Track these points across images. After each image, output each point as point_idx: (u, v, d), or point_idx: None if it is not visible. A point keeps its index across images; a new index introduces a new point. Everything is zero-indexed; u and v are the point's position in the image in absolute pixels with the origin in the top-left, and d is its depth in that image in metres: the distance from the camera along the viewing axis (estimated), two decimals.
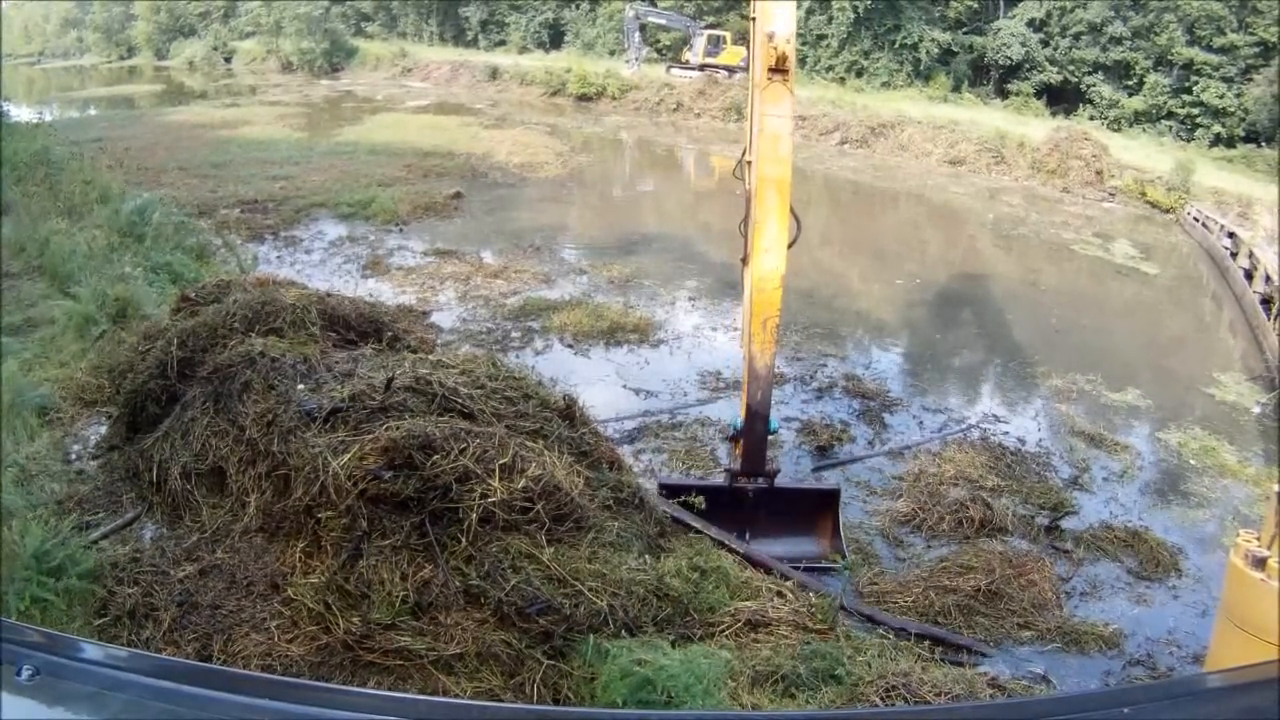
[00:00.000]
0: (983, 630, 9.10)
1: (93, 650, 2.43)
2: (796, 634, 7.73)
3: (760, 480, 10.74)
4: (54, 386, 11.75)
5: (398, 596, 6.77)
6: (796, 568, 9.68)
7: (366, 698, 2.73)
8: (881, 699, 6.80)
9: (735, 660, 6.95)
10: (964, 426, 13.99)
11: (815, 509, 11.02)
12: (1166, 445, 13.91)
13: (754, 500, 10.64)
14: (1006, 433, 13.86)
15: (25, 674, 1.85)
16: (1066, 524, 11.29)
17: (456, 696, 6.47)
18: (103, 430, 10.85)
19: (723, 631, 7.51)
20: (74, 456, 10.50)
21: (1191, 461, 13.37)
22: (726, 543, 9.62)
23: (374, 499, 7.13)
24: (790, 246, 9.97)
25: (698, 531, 9.59)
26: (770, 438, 10.90)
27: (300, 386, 8.57)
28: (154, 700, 1.91)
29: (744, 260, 10.83)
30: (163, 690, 1.94)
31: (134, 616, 7.29)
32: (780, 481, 10.95)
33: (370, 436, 7.33)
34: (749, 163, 10.58)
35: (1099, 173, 34.44)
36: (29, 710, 1.86)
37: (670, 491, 10.45)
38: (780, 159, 9.91)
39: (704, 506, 10.00)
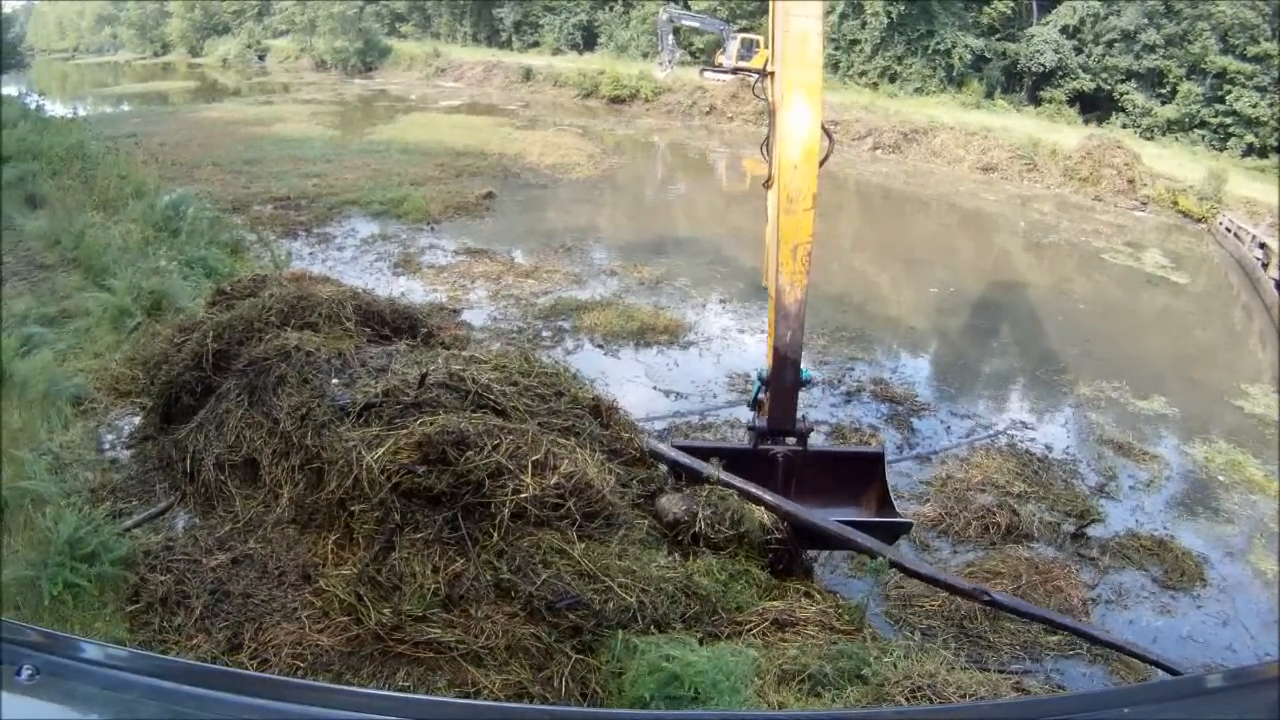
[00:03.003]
0: (1009, 636, 9.11)
1: (93, 650, 2.42)
2: (823, 634, 7.73)
3: (790, 441, 9.86)
4: (88, 377, 11.86)
5: (429, 589, 6.83)
6: (852, 524, 8.99)
7: (366, 698, 2.74)
8: (907, 699, 6.81)
9: (762, 658, 6.98)
10: (992, 432, 13.96)
11: (857, 476, 10.21)
12: (1193, 457, 13.86)
13: (784, 466, 9.74)
14: (1034, 439, 13.85)
15: (25, 674, 1.87)
16: (1093, 532, 11.27)
17: (485, 689, 6.55)
18: (136, 420, 10.93)
19: (750, 630, 7.51)
20: (107, 446, 10.59)
21: (1220, 477, 13.32)
22: (764, 499, 8.78)
23: (407, 493, 7.19)
24: (821, 165, 9.20)
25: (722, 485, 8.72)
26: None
27: (335, 381, 8.64)
28: (154, 700, 1.93)
29: (767, 184, 10.02)
30: (163, 690, 1.96)
31: (166, 604, 7.35)
32: (816, 444, 10.24)
33: (404, 431, 7.39)
34: (770, 73, 9.89)
35: (1131, 181, 34.31)
36: (29, 710, 1.87)
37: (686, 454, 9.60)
38: (809, 62, 9.10)
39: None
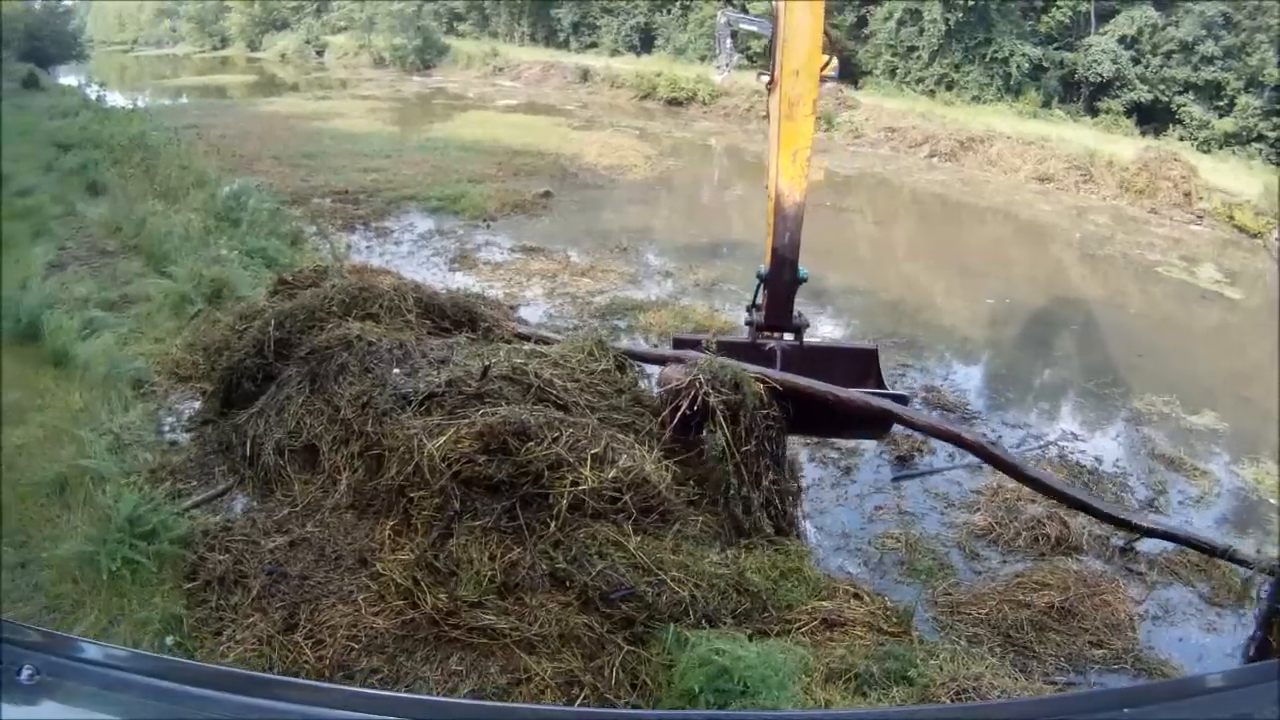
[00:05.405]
0: (1054, 647, 9.10)
1: (93, 650, 2.46)
2: (871, 635, 7.78)
3: (786, 336, 10.41)
4: (149, 361, 12.16)
5: (485, 576, 6.97)
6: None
7: (367, 698, 2.77)
8: (952, 701, 6.87)
9: (810, 656, 7.05)
10: (1042, 443, 13.88)
11: (852, 371, 10.55)
12: (1243, 477, 13.72)
13: (781, 359, 10.20)
14: (1084, 451, 13.76)
15: (25, 674, 1.88)
16: (1141, 546, 11.20)
17: (537, 676, 6.66)
18: (196, 405, 11.20)
19: (799, 629, 7.57)
20: (167, 428, 10.88)
21: (1270, 499, 13.17)
22: (763, 371, 9.08)
23: (467, 481, 7.34)
24: (823, 72, 9.64)
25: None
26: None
27: (396, 371, 8.80)
28: (154, 700, 1.94)
29: (769, 86, 10.25)
30: (163, 690, 1.97)
31: (224, 583, 7.58)
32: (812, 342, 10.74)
33: (466, 421, 7.54)
34: None
35: (1187, 194, 33.79)
36: (29, 711, 1.89)
37: (683, 346, 10.25)
38: None
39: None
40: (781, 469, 9.23)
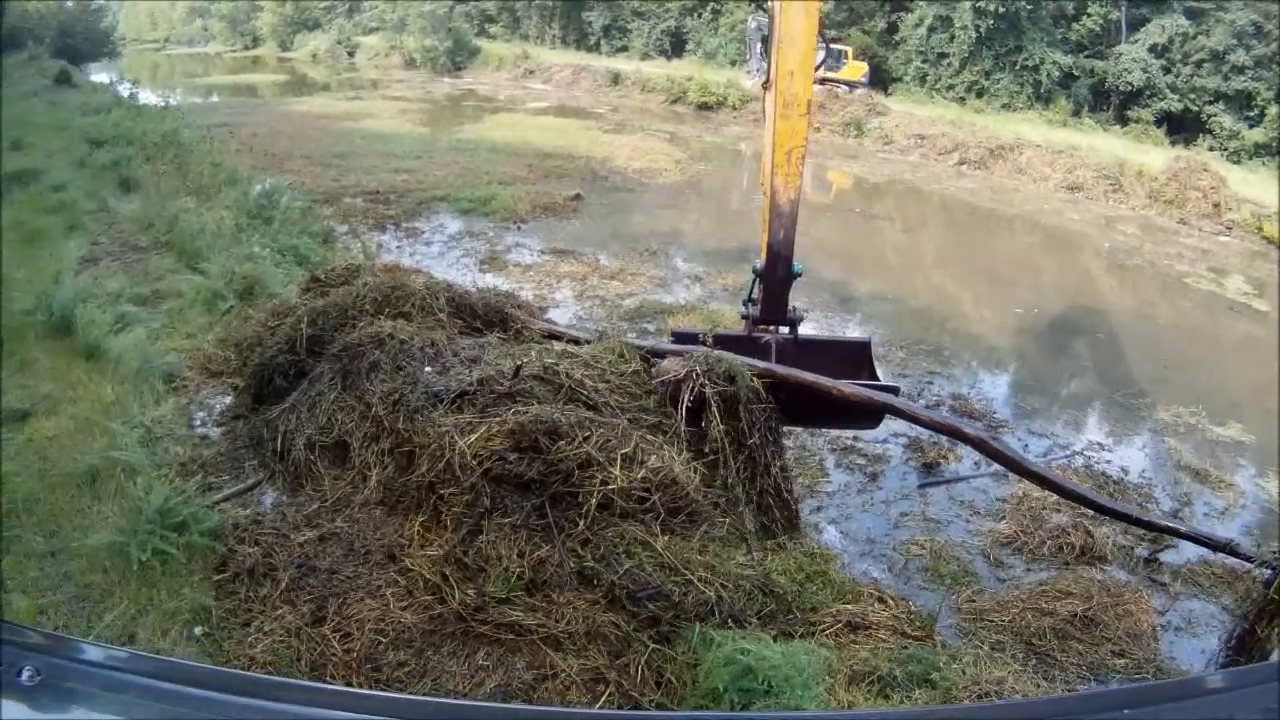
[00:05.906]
0: (1076, 655, 9.09)
1: (93, 651, 2.40)
2: (894, 638, 7.82)
3: (782, 329, 10.60)
4: (181, 356, 12.28)
5: (514, 573, 7.02)
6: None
7: (366, 698, 2.82)
8: (973, 704, 6.89)
9: (834, 658, 7.10)
10: (1068, 453, 13.86)
11: (846, 363, 10.78)
12: (1268, 490, 13.66)
13: (776, 351, 10.41)
14: (1110, 461, 13.73)
15: (25, 675, 1.88)
16: (1165, 557, 11.18)
17: (563, 672, 6.72)
18: (227, 399, 11.32)
19: (823, 631, 7.63)
20: (198, 422, 11.00)
21: None
22: (756, 364, 9.30)
23: (497, 479, 7.39)
24: (817, 71, 9.83)
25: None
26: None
27: (428, 369, 8.88)
28: (154, 701, 1.95)
29: (765, 85, 10.49)
30: (163, 691, 1.97)
31: (253, 575, 7.68)
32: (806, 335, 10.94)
33: (498, 419, 7.61)
34: None
35: (1216, 205, 33.53)
36: (29, 712, 1.88)
37: (682, 340, 10.42)
38: None
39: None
40: (780, 461, 9.38)
